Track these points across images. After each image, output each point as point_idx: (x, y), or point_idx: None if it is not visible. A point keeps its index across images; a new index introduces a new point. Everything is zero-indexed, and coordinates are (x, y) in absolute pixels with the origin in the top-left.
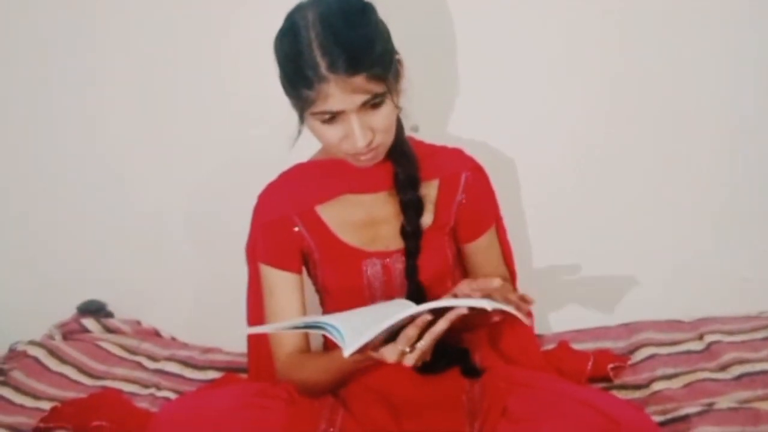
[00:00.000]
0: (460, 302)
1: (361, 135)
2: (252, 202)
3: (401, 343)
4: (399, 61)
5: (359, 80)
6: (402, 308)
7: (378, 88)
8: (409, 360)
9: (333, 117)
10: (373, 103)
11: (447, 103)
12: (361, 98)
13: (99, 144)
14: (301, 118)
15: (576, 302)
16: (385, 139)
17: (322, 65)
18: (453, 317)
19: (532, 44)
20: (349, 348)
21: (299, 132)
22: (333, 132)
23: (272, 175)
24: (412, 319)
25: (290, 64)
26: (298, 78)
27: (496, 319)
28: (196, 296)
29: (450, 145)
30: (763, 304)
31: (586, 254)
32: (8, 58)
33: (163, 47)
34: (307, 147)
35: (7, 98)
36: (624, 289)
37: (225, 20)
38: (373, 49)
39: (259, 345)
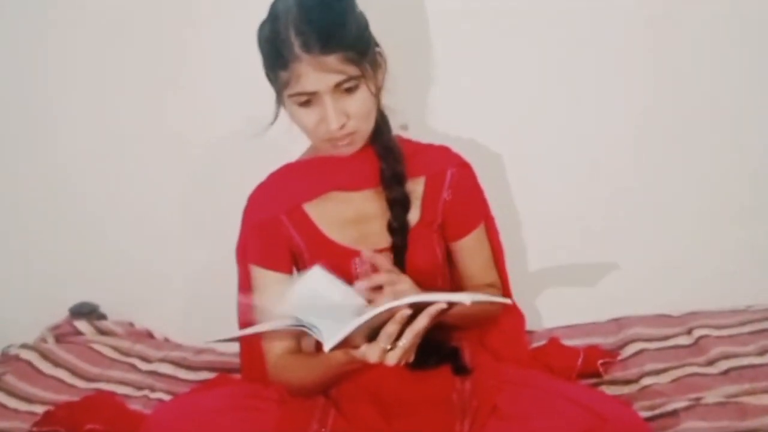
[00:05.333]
0: (438, 297)
1: (335, 117)
2: (245, 203)
3: (382, 340)
4: (379, 53)
5: (332, 60)
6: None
7: (352, 70)
8: (392, 358)
9: (309, 100)
10: (348, 87)
11: (434, 101)
12: (334, 79)
13: (91, 145)
14: (281, 103)
15: (565, 298)
16: (361, 126)
17: (296, 44)
18: (433, 312)
19: (518, 40)
20: (328, 342)
21: (275, 116)
22: (309, 116)
23: (264, 176)
24: (392, 316)
25: (268, 47)
26: (274, 59)
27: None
28: (189, 297)
29: (437, 142)
30: (750, 298)
31: (574, 249)
32: None
33: (154, 39)
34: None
35: None
36: (613, 283)
37: (218, 8)
38: (346, 30)
39: (251, 345)
